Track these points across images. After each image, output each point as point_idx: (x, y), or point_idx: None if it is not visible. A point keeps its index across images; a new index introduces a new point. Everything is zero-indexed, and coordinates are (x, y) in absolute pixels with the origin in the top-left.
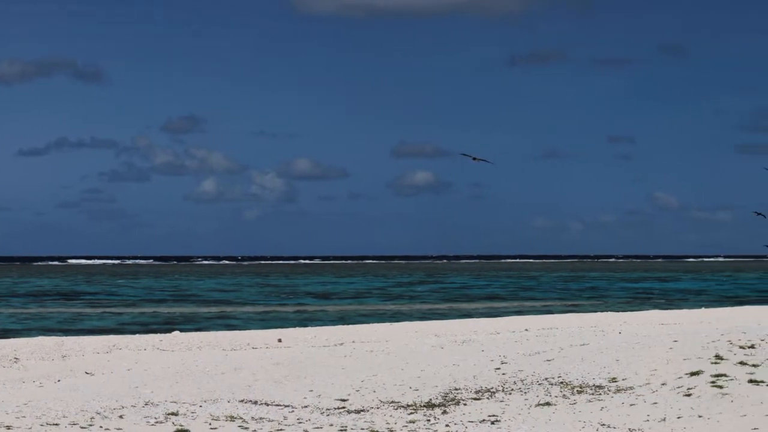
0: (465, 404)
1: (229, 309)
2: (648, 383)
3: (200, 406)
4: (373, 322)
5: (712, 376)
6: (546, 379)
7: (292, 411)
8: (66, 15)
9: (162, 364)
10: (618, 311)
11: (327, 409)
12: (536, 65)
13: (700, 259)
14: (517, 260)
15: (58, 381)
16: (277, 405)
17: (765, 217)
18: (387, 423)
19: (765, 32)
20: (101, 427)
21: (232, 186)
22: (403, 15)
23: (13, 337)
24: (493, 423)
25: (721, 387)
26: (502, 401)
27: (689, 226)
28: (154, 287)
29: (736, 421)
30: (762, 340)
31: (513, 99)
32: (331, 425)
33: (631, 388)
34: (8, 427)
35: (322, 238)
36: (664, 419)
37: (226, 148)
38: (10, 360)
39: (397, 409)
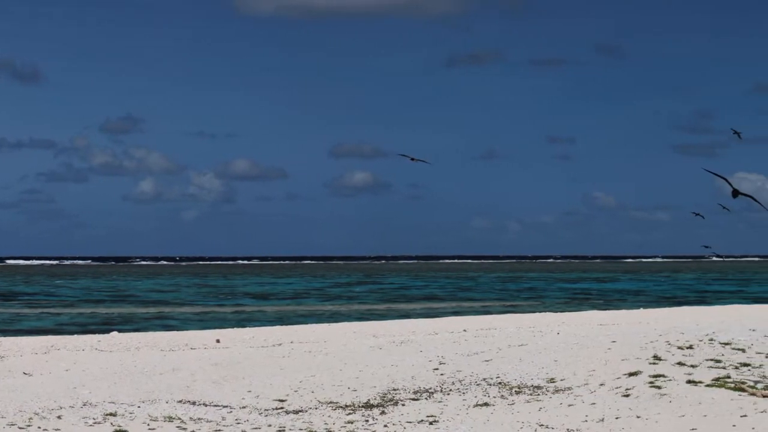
0: (403, 405)
1: (167, 309)
2: (586, 383)
3: (138, 407)
4: (312, 322)
5: (650, 376)
6: (484, 379)
7: (231, 411)
8: (3, 15)
9: (100, 364)
10: (556, 312)
11: (265, 410)
12: (474, 66)
13: (638, 260)
14: (456, 261)
15: None
16: (215, 405)
17: (703, 217)
18: (325, 423)
19: (702, 33)
20: (39, 427)
21: (170, 186)
22: (341, 15)
23: None
24: (431, 423)
25: (659, 387)
26: (440, 402)
27: (628, 227)
28: (92, 288)
29: (675, 421)
30: (700, 341)
31: (451, 99)
32: (270, 426)
33: (569, 388)
34: None
35: (261, 238)
36: (602, 420)
37: (164, 148)
38: None
39: (335, 409)
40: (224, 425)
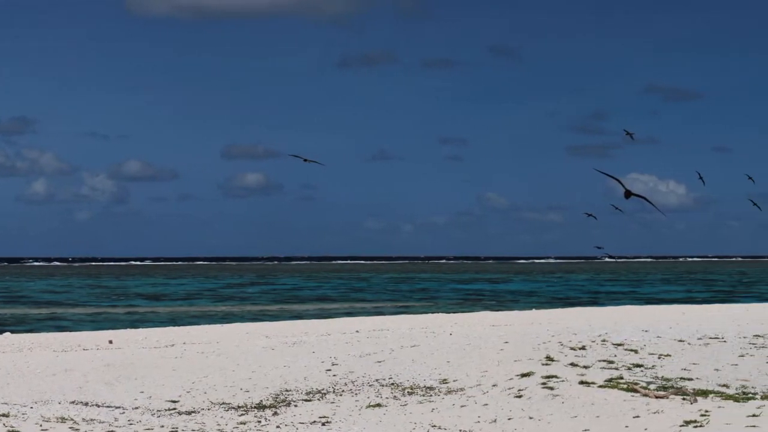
0: (296, 405)
1: (59, 310)
2: (479, 384)
3: (31, 408)
4: (204, 323)
5: (543, 377)
6: (377, 380)
7: (123, 412)
8: None
9: None
10: (449, 312)
11: (158, 411)
12: (366, 67)
13: (531, 261)
14: (349, 261)
15: None
16: (108, 406)
17: (595, 218)
18: (218, 424)
19: (594, 34)
20: None
21: (63, 187)
22: (234, 16)
23: None
24: (323, 424)
25: (551, 388)
26: (332, 402)
27: (520, 228)
28: None
29: (567, 422)
30: (593, 342)
31: (343, 100)
32: (162, 426)
33: (462, 389)
34: None
35: (153, 239)
36: (495, 420)
37: (57, 149)
38: None
39: (228, 410)
40: (117, 426)
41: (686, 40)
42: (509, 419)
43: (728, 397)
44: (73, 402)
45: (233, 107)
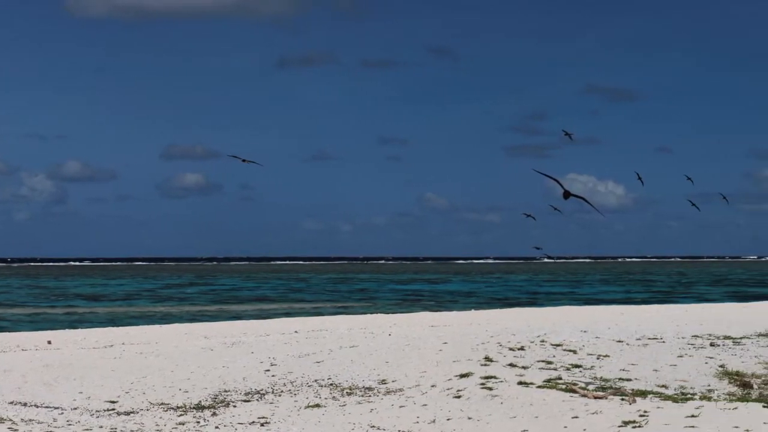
0: (235, 406)
1: None
2: (418, 385)
3: None
4: (143, 323)
5: (481, 378)
6: (316, 380)
7: (62, 413)
8: None
9: None
10: (388, 313)
11: (97, 411)
12: (305, 67)
13: (469, 261)
14: (288, 262)
15: None
16: (46, 407)
17: (534, 218)
18: (156, 425)
19: (533, 34)
20: None
21: (1, 188)
22: (173, 17)
23: None
24: (262, 425)
25: (490, 389)
26: (271, 403)
27: (459, 228)
28: None
29: (506, 422)
30: (531, 342)
31: (283, 101)
32: (101, 427)
33: (400, 389)
34: None
35: (92, 239)
36: (433, 421)
37: None
38: None
39: (166, 411)
40: (56, 426)
41: (626, 40)
42: (448, 420)
43: (667, 397)
44: (11, 402)
45: (172, 108)
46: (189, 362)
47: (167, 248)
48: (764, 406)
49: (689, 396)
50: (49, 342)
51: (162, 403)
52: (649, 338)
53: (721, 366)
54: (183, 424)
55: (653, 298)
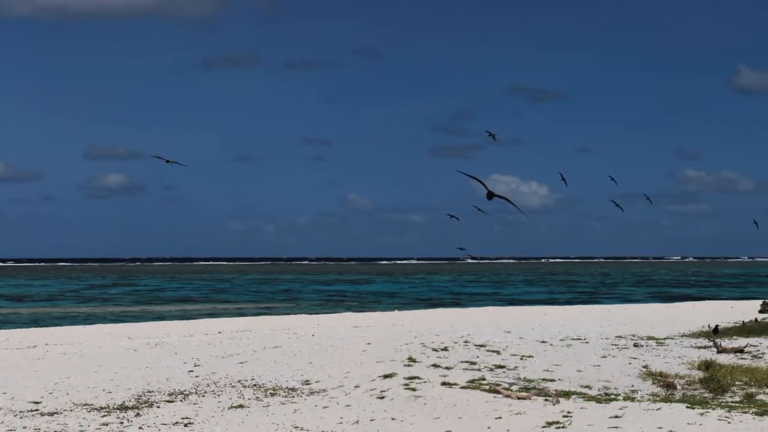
0: (158, 407)
1: None
2: (341, 385)
3: None
4: (67, 324)
5: (405, 378)
6: (239, 381)
7: None
8: None
9: None
10: (311, 314)
11: (20, 412)
12: (229, 68)
13: (393, 262)
14: (211, 263)
15: None
16: None
17: (458, 219)
18: (80, 425)
19: (458, 35)
20: None
21: None
22: (96, 17)
23: None
24: (186, 425)
25: (414, 389)
26: (195, 404)
27: (383, 229)
28: None
29: (429, 423)
30: (455, 343)
31: (206, 102)
32: (25, 428)
33: (324, 390)
34: None
35: (15, 240)
36: (357, 422)
37: None
38: None
39: (90, 411)
40: None
41: (550, 41)
42: (372, 420)
43: (591, 398)
44: None
45: (96, 108)
46: (113, 363)
47: (91, 249)
48: (688, 407)
49: (613, 396)
50: None
51: (86, 404)
52: (572, 339)
53: (644, 366)
54: (107, 425)
55: (577, 298)
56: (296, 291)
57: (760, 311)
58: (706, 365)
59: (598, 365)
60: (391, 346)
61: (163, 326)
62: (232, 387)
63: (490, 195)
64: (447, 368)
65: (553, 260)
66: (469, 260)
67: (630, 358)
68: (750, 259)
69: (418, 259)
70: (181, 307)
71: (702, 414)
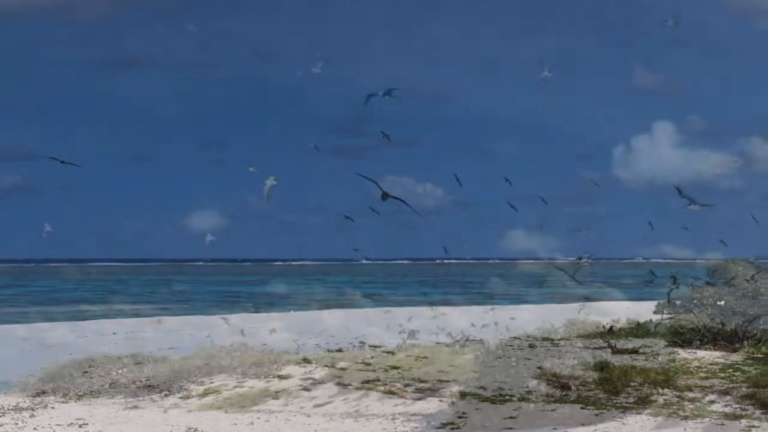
0: (53, 407)
1: None
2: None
3: None
4: None
5: (300, 378)
6: (134, 382)
7: None
8: None
9: None
10: (207, 315)
11: None
12: (126, 69)
13: (288, 263)
14: (107, 264)
15: None
16: None
17: (353, 220)
18: None
19: (351, 34)
20: None
21: None
22: None
23: None
24: (80, 426)
25: (308, 390)
26: (89, 405)
27: (279, 230)
28: None
29: (324, 424)
30: (350, 344)
31: (102, 102)
32: None
33: (217, 391)
34: None
35: None
36: (252, 423)
37: None
38: None
39: None
40: None
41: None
42: (266, 421)
43: (485, 398)
44: None
45: None
46: (6, 364)
47: None
48: (582, 408)
49: (507, 398)
50: None
51: None
52: (468, 339)
53: (539, 368)
54: (1, 426)
55: (473, 300)
56: (191, 292)
57: (655, 312)
58: (601, 366)
59: (494, 366)
60: (286, 346)
61: (59, 327)
62: (126, 388)
63: (385, 196)
64: (342, 369)
65: (448, 261)
66: (364, 261)
67: (525, 359)
68: (645, 260)
69: (314, 261)
70: (76, 309)
71: (596, 415)
